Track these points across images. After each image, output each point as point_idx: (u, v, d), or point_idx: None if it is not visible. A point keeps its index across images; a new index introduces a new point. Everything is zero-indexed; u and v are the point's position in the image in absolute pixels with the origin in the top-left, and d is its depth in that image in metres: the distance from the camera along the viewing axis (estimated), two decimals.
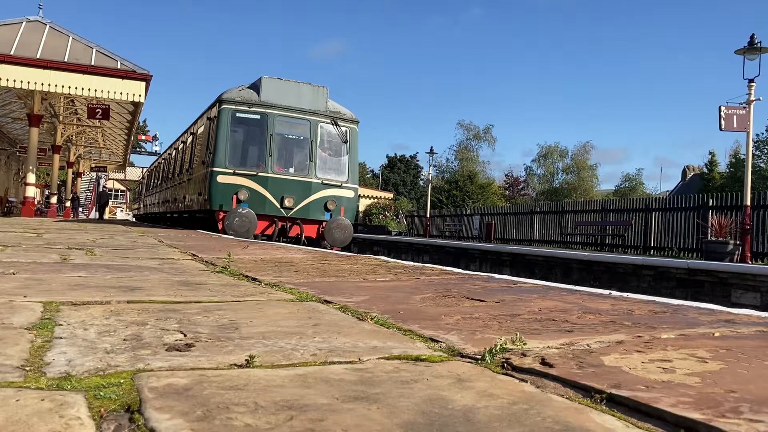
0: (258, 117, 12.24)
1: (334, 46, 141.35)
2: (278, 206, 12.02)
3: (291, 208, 12.10)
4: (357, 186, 13.21)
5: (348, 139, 12.89)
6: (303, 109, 12.49)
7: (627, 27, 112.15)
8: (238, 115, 12.14)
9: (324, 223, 12.19)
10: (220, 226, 11.49)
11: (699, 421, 1.08)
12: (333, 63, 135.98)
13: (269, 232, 12.04)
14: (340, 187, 12.68)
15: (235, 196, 11.64)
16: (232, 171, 11.88)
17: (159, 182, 23.52)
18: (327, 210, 12.38)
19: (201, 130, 14.20)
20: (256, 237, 11.35)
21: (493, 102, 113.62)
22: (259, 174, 12.01)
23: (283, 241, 11.70)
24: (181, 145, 17.80)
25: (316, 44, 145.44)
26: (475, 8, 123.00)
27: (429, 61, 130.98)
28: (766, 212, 14.07)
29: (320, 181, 12.45)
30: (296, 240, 12.03)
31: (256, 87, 12.40)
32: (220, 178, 11.82)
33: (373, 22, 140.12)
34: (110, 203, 49.77)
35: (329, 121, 12.74)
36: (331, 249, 11.15)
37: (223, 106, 12.12)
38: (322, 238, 12.20)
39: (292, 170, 12.51)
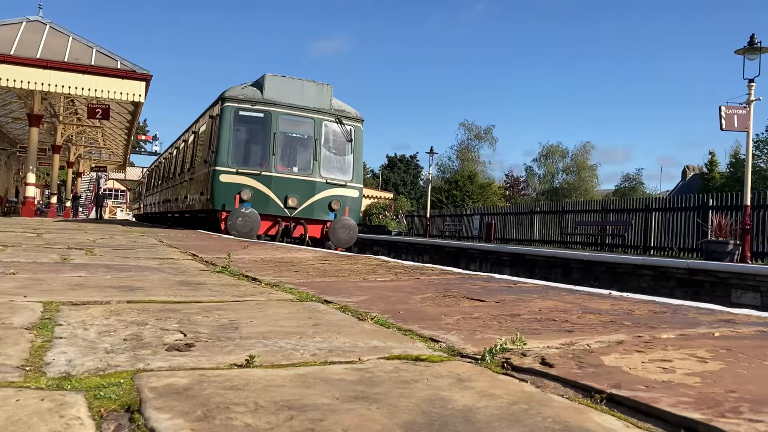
0: (261, 115, 12.05)
1: (333, 44, 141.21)
2: (282, 206, 11.85)
3: (295, 208, 11.92)
4: (361, 185, 13.04)
5: (352, 137, 12.70)
6: (307, 107, 12.29)
7: (629, 27, 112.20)
8: (241, 113, 11.95)
9: (328, 223, 12.01)
10: (222, 226, 11.32)
11: (699, 421, 1.08)
12: (333, 61, 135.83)
13: (273, 232, 11.87)
14: (344, 186, 12.50)
15: (237, 196, 11.47)
16: (234, 170, 11.71)
17: (160, 182, 23.33)
18: (331, 210, 12.19)
19: (203, 128, 14.04)
20: (259, 237, 11.17)
21: (495, 101, 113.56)
22: (263, 173, 11.84)
23: (286, 242, 11.51)
24: (183, 144, 17.63)
25: (315, 43, 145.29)
26: (478, 4, 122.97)
27: (430, 59, 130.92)
28: (766, 212, 14.07)
29: (324, 181, 12.26)
30: (300, 240, 11.83)
31: (259, 85, 12.22)
32: (223, 178, 11.65)
33: (374, 20, 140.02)
34: (109, 204, 49.88)
35: (333, 119, 12.54)
36: (336, 249, 10.96)
37: (226, 104, 11.93)
38: (326, 238, 12.00)
39: (295, 169, 12.32)
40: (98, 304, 2.27)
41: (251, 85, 12.32)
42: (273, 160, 11.97)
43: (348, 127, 12.70)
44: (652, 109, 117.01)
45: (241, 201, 11.45)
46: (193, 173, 14.76)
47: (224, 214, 11.37)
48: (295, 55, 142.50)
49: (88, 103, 20.00)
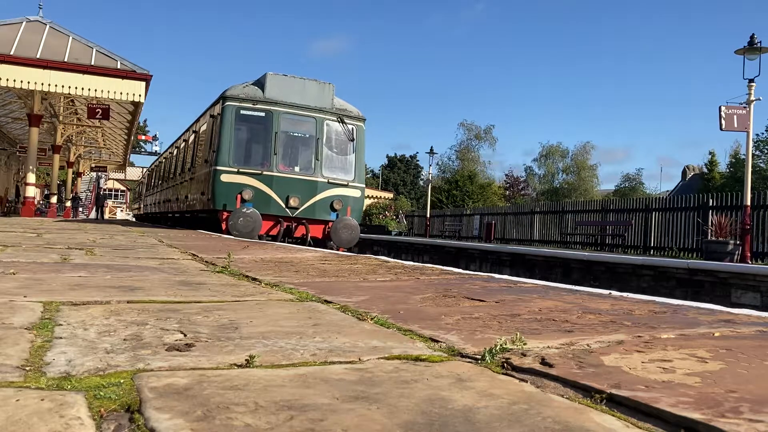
0: (263, 114, 11.91)
1: (333, 44, 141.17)
2: (283, 206, 11.71)
3: (296, 208, 11.79)
4: (364, 185, 12.88)
5: (354, 137, 12.55)
6: (309, 106, 12.10)
7: (629, 27, 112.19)
8: (242, 112, 11.82)
9: (330, 224, 11.83)
10: (223, 226, 11.20)
11: (699, 421, 1.08)
12: (333, 61, 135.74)
13: (274, 232, 11.74)
14: (346, 186, 12.33)
15: (239, 196, 11.34)
16: (236, 170, 11.58)
17: (160, 182, 23.20)
18: (333, 210, 12.05)
19: (204, 127, 13.92)
20: (260, 237, 11.04)
21: (495, 101, 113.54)
22: (264, 173, 11.67)
23: (288, 242, 11.36)
24: (183, 144, 17.49)
25: (315, 42, 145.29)
26: (478, 4, 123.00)
27: (430, 59, 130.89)
28: (766, 212, 14.06)
29: (326, 181, 12.09)
30: (302, 240, 11.69)
31: (260, 83, 12.08)
32: (224, 177, 11.53)
33: (374, 20, 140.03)
34: (109, 203, 49.91)
35: (335, 118, 12.36)
36: (337, 250, 10.82)
37: (227, 103, 11.75)
38: (328, 238, 11.86)
39: (297, 169, 12.18)
40: (98, 304, 2.27)
41: (252, 84, 12.19)
42: (274, 159, 11.83)
43: (350, 127, 12.55)
44: (652, 109, 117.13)
45: (243, 201, 11.31)
46: (193, 173, 14.65)
47: (225, 214, 11.26)
48: (295, 55, 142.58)
49: (88, 103, 20.00)
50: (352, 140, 12.56)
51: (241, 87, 12.07)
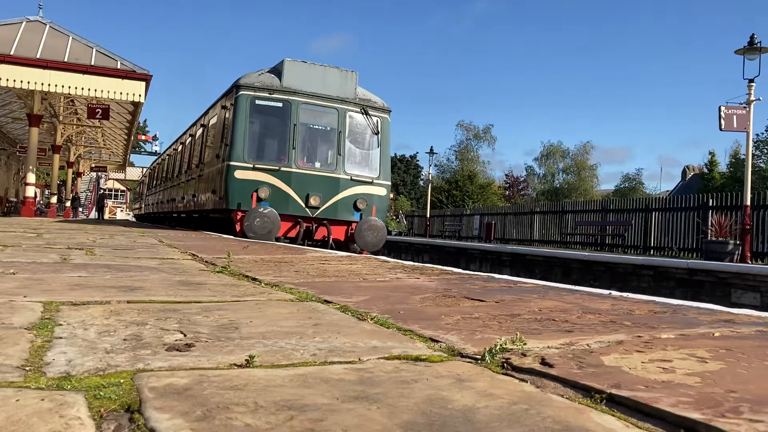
0: (280, 105, 10.88)
1: (333, 43, 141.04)
2: (303, 205, 10.68)
3: (317, 208, 10.74)
4: (389, 183, 11.84)
5: (379, 130, 11.49)
6: (330, 96, 11.08)
7: (630, 26, 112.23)
8: (257, 102, 10.78)
9: (354, 225, 10.84)
10: (238, 227, 10.32)
11: (699, 421, 1.08)
12: (332, 61, 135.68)
13: (293, 234, 10.74)
14: (371, 183, 11.29)
15: (255, 194, 10.38)
16: (251, 165, 10.58)
17: (163, 180, 22.32)
18: (357, 209, 11.01)
19: (214, 120, 12.79)
20: (278, 239, 10.17)
21: (496, 100, 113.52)
22: (282, 169, 10.69)
23: (308, 244, 10.50)
24: (189, 139, 16.47)
25: (314, 41, 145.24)
26: (479, 2, 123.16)
27: (430, 59, 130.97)
28: (766, 212, 14.07)
29: (349, 177, 11.07)
30: (323, 243, 10.67)
31: (277, 71, 11.05)
32: (238, 174, 10.54)
33: (374, 19, 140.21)
34: (109, 203, 49.97)
35: (359, 109, 11.33)
36: (361, 253, 9.84)
37: (241, 93, 10.72)
38: (351, 240, 10.82)
39: (318, 165, 11.15)
40: (98, 304, 2.27)
41: (268, 71, 11.20)
42: (293, 154, 10.80)
43: (374, 119, 11.49)
44: (652, 109, 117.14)
45: (259, 200, 10.43)
46: (202, 170, 13.71)
47: (240, 214, 10.41)
48: (295, 55, 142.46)
49: (88, 103, 20.00)
50: (377, 133, 11.53)
51: (256, 75, 11.13)
